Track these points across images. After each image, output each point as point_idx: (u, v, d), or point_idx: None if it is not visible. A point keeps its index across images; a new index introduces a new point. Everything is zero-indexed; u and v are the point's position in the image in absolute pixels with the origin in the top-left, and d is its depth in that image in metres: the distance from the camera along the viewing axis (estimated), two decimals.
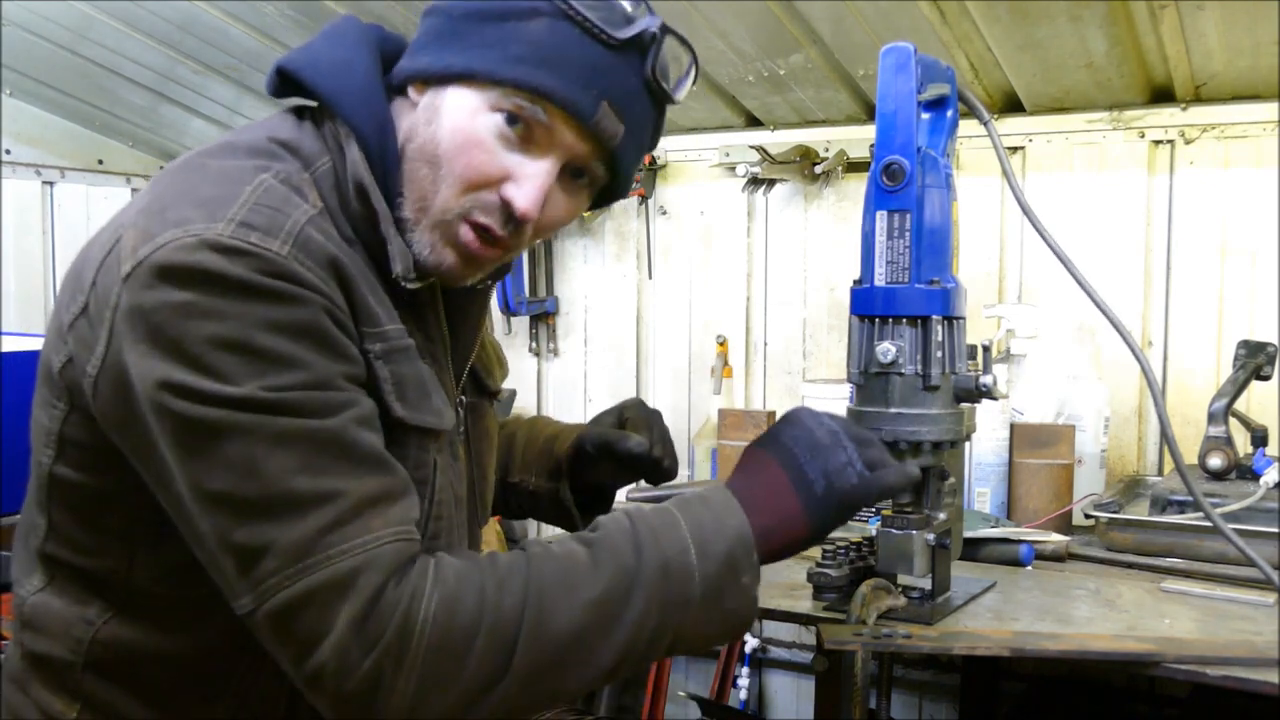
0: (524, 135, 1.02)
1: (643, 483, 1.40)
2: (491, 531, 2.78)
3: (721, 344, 2.86)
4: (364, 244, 1.02)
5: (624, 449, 1.32)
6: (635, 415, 1.37)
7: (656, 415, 1.39)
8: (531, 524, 3.00)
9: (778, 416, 2.33)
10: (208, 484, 0.89)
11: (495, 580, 0.93)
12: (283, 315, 0.90)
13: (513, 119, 1.01)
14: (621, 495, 2.10)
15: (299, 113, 1.08)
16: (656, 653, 1.00)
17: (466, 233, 1.03)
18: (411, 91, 1.05)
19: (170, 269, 0.89)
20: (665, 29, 1.04)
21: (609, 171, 1.08)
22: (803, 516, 1.07)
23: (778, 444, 1.09)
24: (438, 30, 1.05)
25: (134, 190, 3.24)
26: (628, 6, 1.02)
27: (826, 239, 2.78)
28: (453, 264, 1.05)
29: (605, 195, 1.14)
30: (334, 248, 0.96)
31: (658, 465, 1.32)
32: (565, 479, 1.37)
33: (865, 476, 1.08)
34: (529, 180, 1.02)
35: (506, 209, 1.02)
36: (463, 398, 1.19)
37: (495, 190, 1.02)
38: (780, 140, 2.73)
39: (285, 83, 1.06)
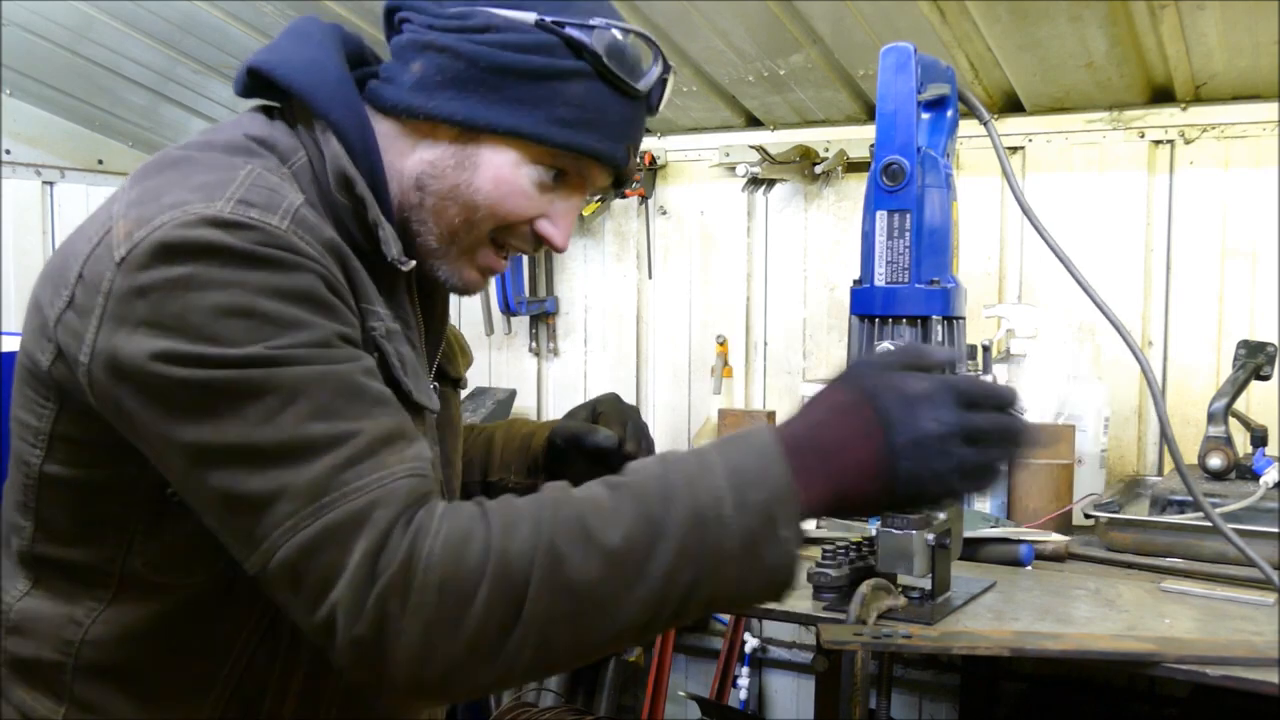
0: (561, 181, 1.11)
1: None
2: None
3: (721, 344, 2.86)
4: (344, 235, 1.04)
5: (592, 442, 1.33)
6: (608, 409, 1.39)
7: (632, 410, 1.40)
8: None
9: (778, 417, 2.35)
10: (218, 441, 0.87)
11: (503, 524, 0.88)
12: (284, 281, 0.90)
13: (556, 173, 1.09)
14: None
15: (268, 112, 1.09)
16: (693, 609, 0.91)
17: (493, 257, 1.12)
18: (421, 123, 1.07)
19: (170, 246, 0.89)
20: (666, 64, 1.12)
21: (614, 187, 1.20)
22: (875, 498, 0.94)
23: (881, 415, 0.93)
24: (453, 73, 1.05)
25: None
26: (641, 59, 1.10)
27: (826, 239, 2.78)
28: (475, 279, 1.14)
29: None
30: (330, 230, 0.99)
31: (630, 459, 1.30)
32: (542, 474, 1.38)
33: (956, 490, 0.94)
34: (562, 218, 1.12)
35: (538, 240, 1.12)
36: (436, 385, 1.21)
37: (529, 225, 1.11)
38: (780, 140, 2.73)
39: (255, 82, 1.08)
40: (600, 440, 1.33)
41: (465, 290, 1.14)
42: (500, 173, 1.07)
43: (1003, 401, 0.96)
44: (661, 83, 1.12)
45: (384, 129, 1.08)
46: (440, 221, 1.08)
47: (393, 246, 1.05)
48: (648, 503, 0.89)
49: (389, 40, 1.12)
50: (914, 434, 0.91)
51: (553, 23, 1.04)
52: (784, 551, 0.91)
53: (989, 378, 1.40)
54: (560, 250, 1.13)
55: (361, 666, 0.87)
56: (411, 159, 1.08)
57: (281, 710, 1.05)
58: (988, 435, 0.94)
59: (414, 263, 1.08)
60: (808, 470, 0.92)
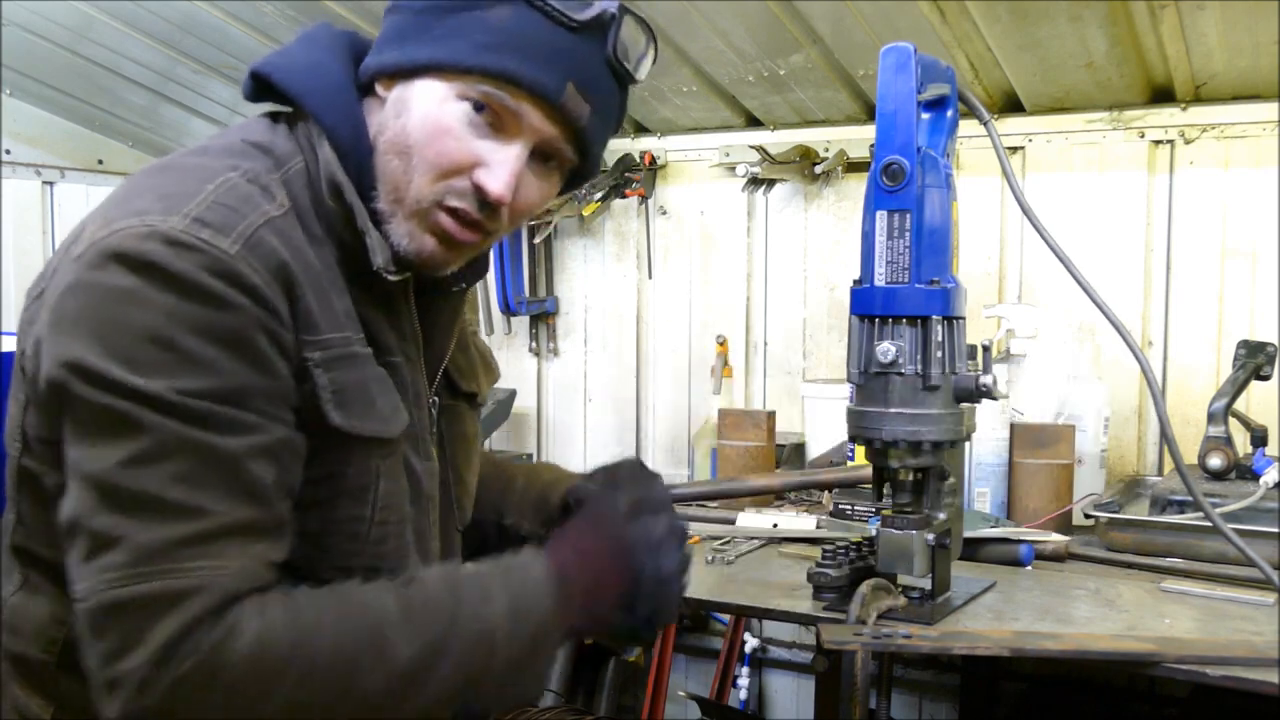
0: (493, 121, 1.04)
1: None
2: None
3: (721, 344, 2.86)
4: (337, 242, 1.04)
5: None
6: (626, 475, 1.35)
7: (648, 475, 1.38)
8: None
9: (778, 416, 2.35)
10: (88, 465, 0.90)
11: (309, 627, 0.93)
12: (213, 319, 0.91)
13: (480, 106, 1.03)
14: None
15: (274, 117, 1.09)
16: (449, 711, 1.04)
17: (443, 218, 1.05)
18: (379, 87, 1.07)
19: (119, 254, 0.90)
20: (623, 9, 1.06)
21: (578, 152, 1.10)
22: (613, 630, 1.12)
23: (631, 559, 1.11)
24: (400, 25, 1.06)
25: None
26: None
27: (826, 239, 2.78)
28: (433, 250, 1.07)
29: (575, 177, 1.17)
30: (286, 252, 0.97)
31: None
32: (557, 527, 1.37)
33: (673, 617, 1.15)
34: (500, 165, 1.04)
35: (479, 194, 1.04)
36: (435, 399, 1.20)
37: (467, 176, 1.04)
38: (780, 140, 2.73)
39: (259, 86, 1.08)
40: None
41: (425, 262, 1.07)
42: (428, 109, 1.03)
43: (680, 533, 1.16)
44: (614, 19, 1.05)
45: (371, 109, 1.08)
46: (386, 178, 1.05)
47: (379, 255, 1.03)
48: (435, 628, 0.98)
49: (360, 47, 1.12)
50: (655, 575, 1.11)
51: None
52: (537, 677, 1.06)
53: (989, 378, 1.40)
54: (494, 197, 1.04)
55: None
56: (374, 129, 1.07)
57: None
58: (686, 564, 1.16)
59: (399, 274, 1.06)
60: (568, 602, 1.06)
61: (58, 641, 1.03)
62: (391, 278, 1.05)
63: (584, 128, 1.07)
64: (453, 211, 1.05)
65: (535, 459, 3.12)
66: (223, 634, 0.89)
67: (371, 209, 1.05)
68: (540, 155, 1.08)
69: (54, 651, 1.03)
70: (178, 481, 0.89)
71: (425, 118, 1.03)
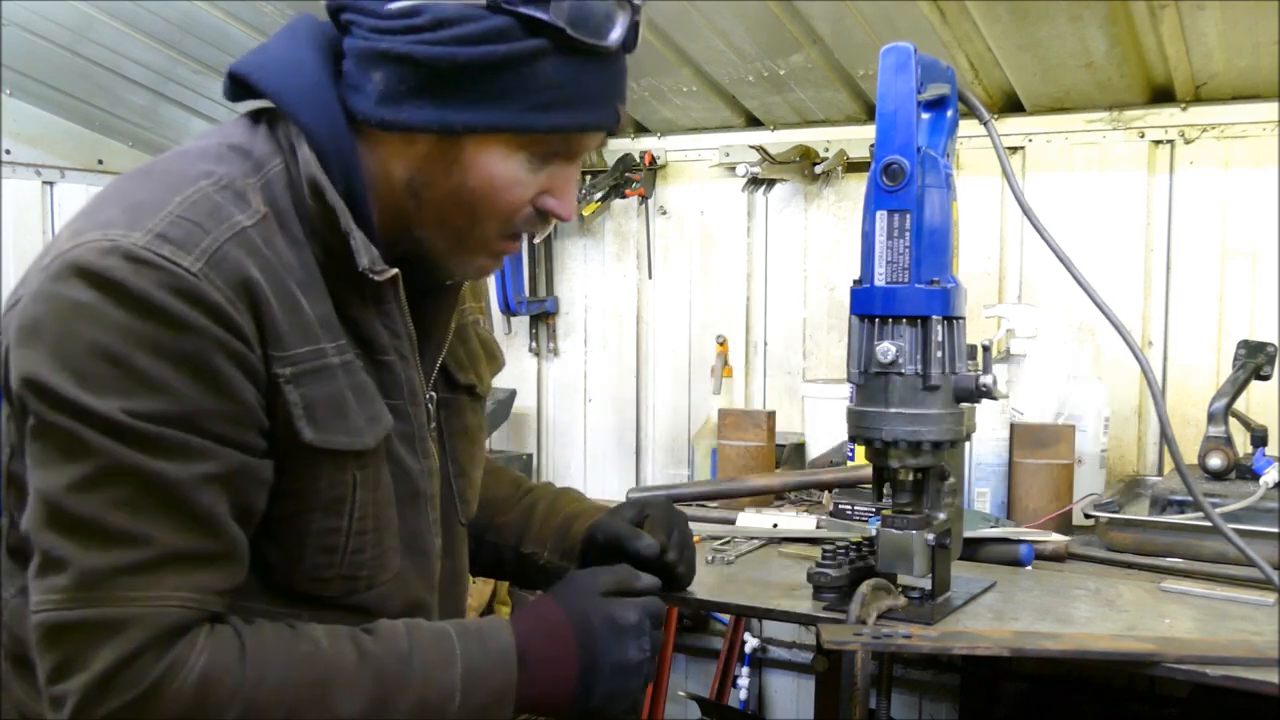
0: (552, 154, 1.07)
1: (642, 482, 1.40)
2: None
3: (721, 344, 2.86)
4: (320, 244, 1.03)
5: (633, 548, 1.31)
6: (656, 515, 1.37)
7: (680, 518, 1.39)
8: None
9: (778, 416, 2.35)
10: (39, 482, 0.92)
11: (256, 672, 0.94)
12: (170, 340, 0.91)
13: (550, 154, 1.06)
14: (622, 492, 2.11)
15: (255, 116, 1.08)
16: None
17: (506, 244, 1.11)
18: (391, 134, 1.04)
19: (80, 268, 0.90)
20: (631, 7, 1.04)
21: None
22: (567, 710, 1.11)
23: (592, 641, 1.11)
24: (417, 82, 1.00)
25: None
26: (606, 10, 1.02)
27: (826, 239, 2.78)
28: (489, 266, 1.14)
29: None
30: (253, 266, 0.96)
31: (671, 570, 1.35)
32: (575, 562, 1.37)
33: (637, 705, 1.13)
34: (562, 190, 1.08)
35: (546, 217, 1.09)
36: (433, 394, 1.19)
37: (531, 205, 1.08)
38: (780, 140, 2.73)
39: (239, 86, 1.06)
40: (642, 548, 1.31)
41: (480, 275, 1.15)
42: (491, 170, 1.03)
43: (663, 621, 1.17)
44: (633, 26, 1.04)
45: (363, 134, 1.05)
46: (446, 226, 1.07)
47: (364, 256, 1.02)
48: (385, 684, 0.99)
49: (342, 39, 1.06)
50: (616, 661, 1.11)
51: (504, 3, 0.97)
52: None
53: (989, 378, 1.40)
54: (566, 219, 1.10)
55: None
56: (397, 165, 1.05)
57: None
58: (657, 652, 1.16)
59: (394, 271, 1.05)
60: (526, 677, 1.07)
61: None
62: (377, 278, 1.03)
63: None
64: (515, 234, 1.10)
65: (535, 459, 3.12)
66: (164, 669, 0.90)
67: (418, 236, 1.08)
68: None
69: None
70: (120, 507, 0.90)
71: (492, 177, 1.03)
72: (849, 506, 1.98)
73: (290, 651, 0.97)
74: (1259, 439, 2.05)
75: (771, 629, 2.95)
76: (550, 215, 1.09)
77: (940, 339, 1.39)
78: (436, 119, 1.00)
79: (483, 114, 1.00)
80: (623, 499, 2.07)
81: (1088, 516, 1.86)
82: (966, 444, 1.62)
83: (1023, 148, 2.50)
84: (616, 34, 1.02)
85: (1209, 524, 1.44)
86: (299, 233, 1.02)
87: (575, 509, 1.42)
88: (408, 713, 0.99)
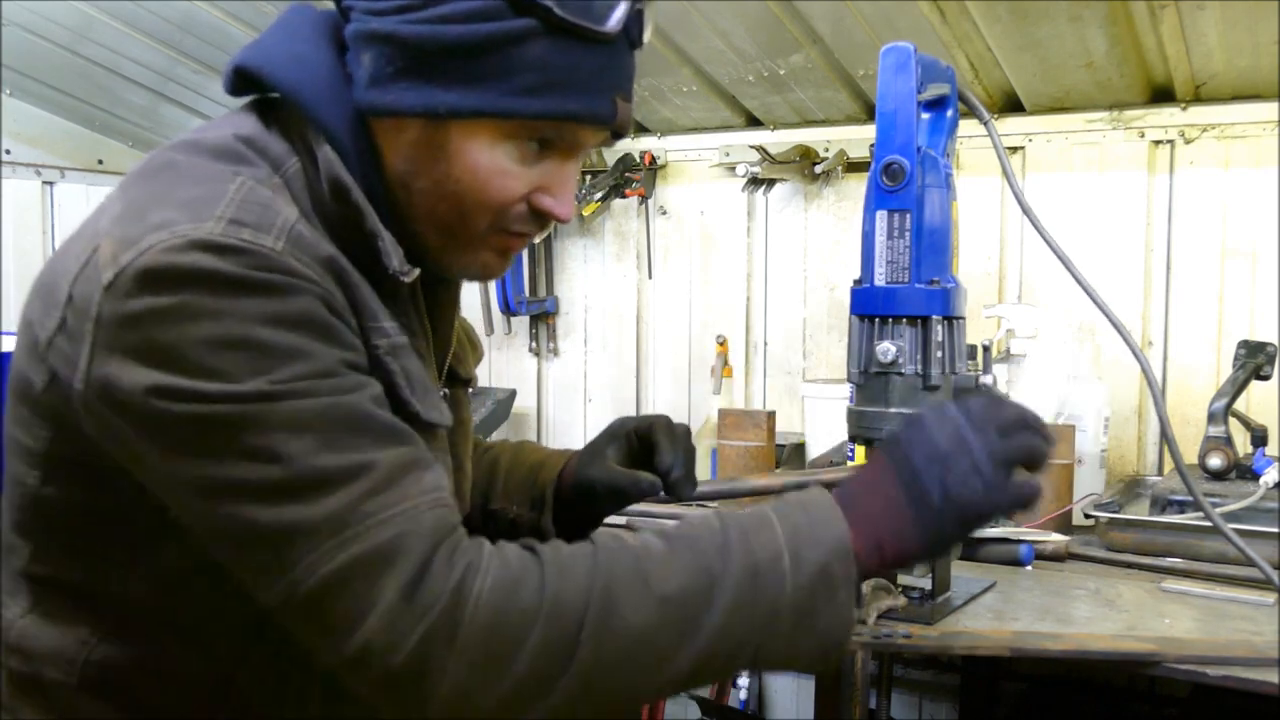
0: (548, 149, 1.00)
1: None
2: None
3: (721, 344, 2.86)
4: (341, 245, 0.98)
5: (638, 492, 1.25)
6: (661, 435, 1.29)
7: (680, 430, 1.31)
8: None
9: (778, 416, 2.35)
10: (223, 476, 0.85)
11: (557, 566, 0.87)
12: (281, 307, 0.86)
13: (539, 143, 0.99)
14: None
15: (260, 110, 1.04)
16: (738, 665, 0.91)
17: (504, 240, 1.03)
18: (382, 120, 1.00)
19: (158, 272, 0.85)
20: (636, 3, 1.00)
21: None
22: (914, 530, 0.95)
23: (895, 449, 0.98)
24: (403, 62, 0.96)
25: None
26: None
27: (826, 239, 2.78)
28: (493, 263, 1.05)
29: None
30: (327, 245, 0.94)
31: (674, 487, 1.26)
32: (548, 510, 1.31)
33: (991, 488, 0.94)
34: (559, 187, 1.01)
35: (542, 216, 1.02)
36: (445, 390, 1.17)
37: (525, 201, 1.01)
38: (780, 140, 2.73)
39: (244, 81, 1.02)
40: (645, 489, 1.24)
41: (486, 276, 1.06)
42: (476, 159, 0.97)
43: (1029, 421, 0.98)
44: (636, 14, 0.98)
45: (377, 127, 1.01)
46: (434, 219, 1.01)
47: (394, 257, 0.99)
48: (704, 554, 0.89)
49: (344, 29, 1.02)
50: (926, 447, 0.95)
51: None
52: (838, 615, 0.91)
53: (989, 378, 1.40)
54: (564, 221, 1.02)
55: (397, 703, 0.85)
56: (390, 155, 1.01)
57: None
58: (1015, 455, 0.96)
59: (417, 271, 1.02)
60: (858, 514, 0.94)
61: (76, 663, 0.99)
62: (405, 279, 1.00)
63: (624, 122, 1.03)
64: (511, 233, 1.03)
65: None
66: (460, 574, 0.84)
67: (414, 230, 1.02)
68: None
69: (73, 673, 0.99)
70: (323, 450, 0.84)
71: (476, 165, 0.97)
72: None
73: (585, 548, 0.89)
74: (1259, 439, 2.05)
75: None
76: (546, 215, 1.01)
77: (940, 339, 1.39)
78: (421, 102, 0.96)
79: (466, 96, 0.95)
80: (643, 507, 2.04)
81: (1088, 516, 1.86)
82: None
83: (1023, 148, 2.50)
84: (614, 20, 0.96)
85: (1209, 524, 1.44)
86: (323, 232, 0.98)
87: (538, 458, 1.36)
88: (738, 581, 0.88)
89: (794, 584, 0.89)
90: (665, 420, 1.31)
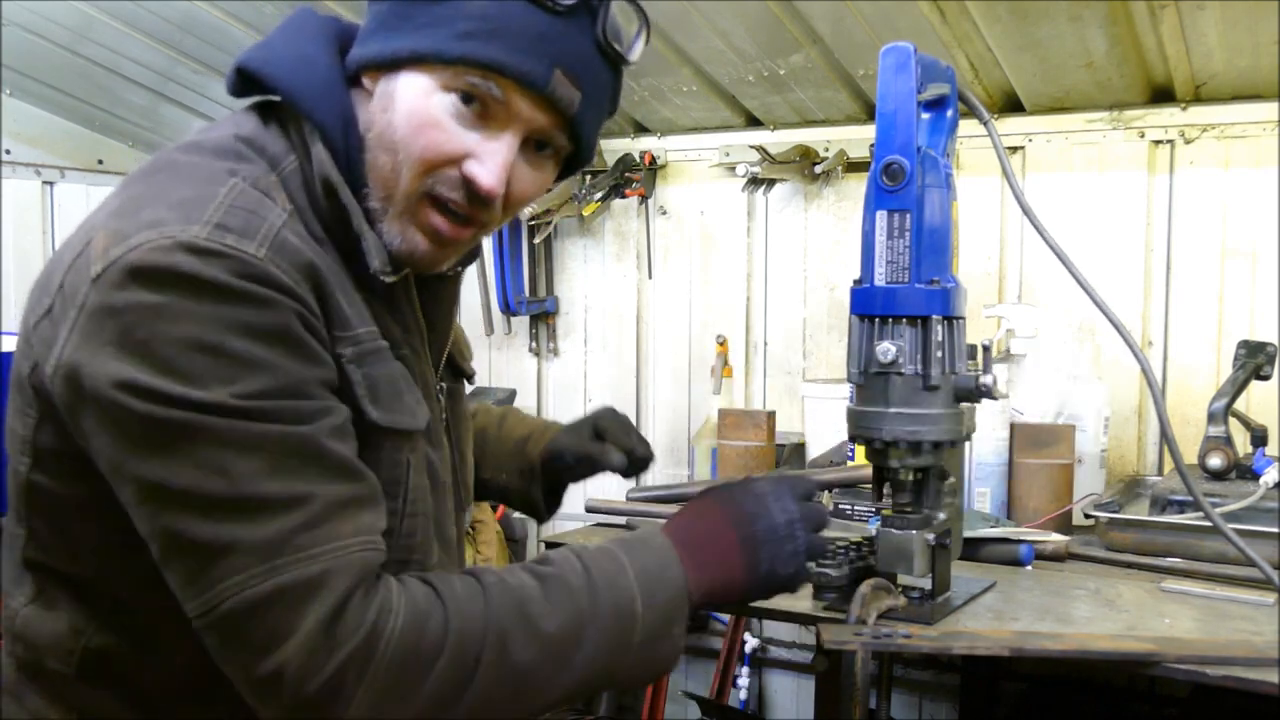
0: (480, 112, 1.01)
1: (634, 481, 1.46)
2: (492, 532, 2.77)
3: (721, 344, 2.86)
4: (335, 242, 1.02)
5: (606, 465, 1.40)
6: (610, 426, 1.43)
7: (627, 420, 1.46)
8: (531, 524, 3.00)
9: (778, 416, 2.35)
10: (170, 482, 0.88)
11: (457, 606, 0.95)
12: (256, 318, 0.89)
13: (467, 97, 1.00)
14: (623, 496, 2.11)
15: (262, 111, 1.07)
16: (598, 689, 1.05)
17: (434, 215, 1.03)
18: (366, 80, 1.05)
19: (144, 270, 0.88)
20: None
21: (571, 139, 1.07)
22: (739, 588, 1.12)
23: (738, 512, 1.13)
24: (384, 15, 1.03)
25: None
26: None
27: (826, 239, 2.78)
28: (425, 249, 1.05)
29: (570, 164, 1.14)
30: (309, 251, 0.96)
31: (639, 468, 1.42)
32: (537, 481, 1.43)
33: (800, 570, 1.14)
34: (490, 156, 1.01)
35: (470, 186, 1.02)
36: (442, 385, 1.19)
37: (457, 168, 1.02)
38: (780, 140, 2.73)
39: (246, 81, 1.05)
40: (614, 463, 1.39)
41: (415, 260, 1.05)
42: (413, 104, 1.00)
43: (812, 491, 1.19)
44: (600, 1, 1.01)
45: (360, 102, 1.05)
46: (376, 175, 1.02)
47: (374, 258, 1.02)
48: (576, 596, 1.01)
49: (346, 36, 1.09)
50: (769, 523, 1.12)
51: None
52: (673, 646, 1.06)
53: (989, 378, 1.40)
54: (486, 191, 1.01)
55: None
56: (362, 126, 1.04)
57: None
58: (819, 521, 1.17)
59: (405, 272, 1.06)
60: (694, 562, 1.08)
61: (75, 653, 1.01)
62: (386, 279, 1.03)
63: (575, 115, 1.04)
64: (442, 205, 1.03)
65: None
66: (375, 611, 0.90)
67: (365, 208, 1.03)
68: (533, 144, 1.06)
69: (72, 663, 1.01)
70: (269, 476, 0.88)
71: (411, 112, 1.00)
72: (849, 506, 1.98)
73: (476, 589, 0.98)
74: (1259, 439, 2.05)
75: (771, 629, 2.95)
76: (470, 182, 1.01)
77: (940, 339, 1.39)
78: (376, 49, 1.02)
79: (408, 40, 1.00)
80: (622, 500, 2.08)
81: (1088, 516, 1.86)
82: (966, 444, 1.62)
83: (1023, 148, 2.50)
84: None
85: (1209, 524, 1.44)
86: (318, 230, 1.02)
87: (524, 430, 1.47)
88: (604, 621, 1.00)
89: (645, 622, 1.03)
90: (609, 413, 1.46)
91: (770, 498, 1.14)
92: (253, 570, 0.87)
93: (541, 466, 1.43)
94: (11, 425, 1.02)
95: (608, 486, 2.95)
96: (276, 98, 1.06)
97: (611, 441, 1.41)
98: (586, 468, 1.42)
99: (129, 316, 0.87)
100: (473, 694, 0.93)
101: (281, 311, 0.91)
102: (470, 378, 1.31)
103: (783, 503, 1.14)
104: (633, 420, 1.55)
